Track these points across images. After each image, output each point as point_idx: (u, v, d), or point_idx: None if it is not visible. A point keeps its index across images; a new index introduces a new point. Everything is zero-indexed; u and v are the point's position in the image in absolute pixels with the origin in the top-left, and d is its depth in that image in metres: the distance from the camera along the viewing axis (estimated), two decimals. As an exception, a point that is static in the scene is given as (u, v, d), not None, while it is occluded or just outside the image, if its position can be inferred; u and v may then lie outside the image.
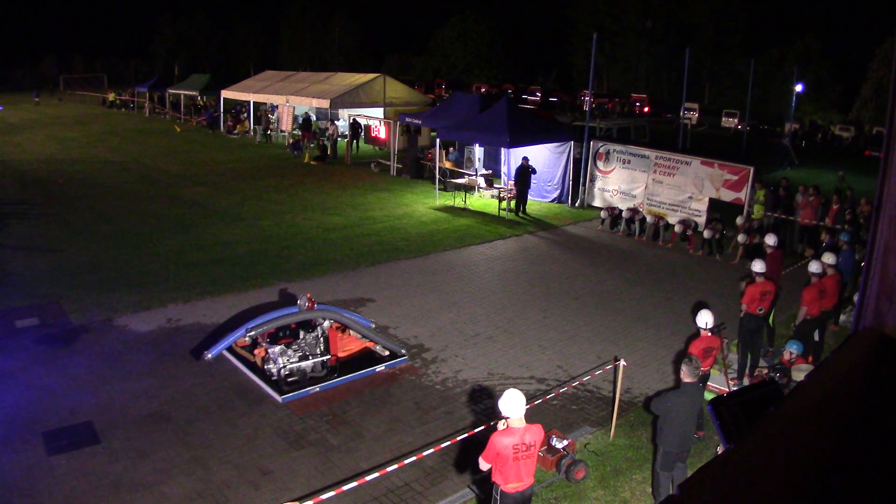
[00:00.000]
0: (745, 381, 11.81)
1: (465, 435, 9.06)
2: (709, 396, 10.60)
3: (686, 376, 8.28)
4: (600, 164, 24.72)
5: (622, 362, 9.81)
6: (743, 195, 20.89)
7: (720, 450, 7.59)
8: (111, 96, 71.12)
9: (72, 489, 5.29)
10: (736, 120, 56.73)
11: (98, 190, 27.55)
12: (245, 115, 46.37)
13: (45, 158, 35.97)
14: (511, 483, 7.06)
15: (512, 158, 24.73)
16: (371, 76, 37.85)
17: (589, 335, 13.82)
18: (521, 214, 23.79)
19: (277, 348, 11.89)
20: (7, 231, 21.25)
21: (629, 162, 23.79)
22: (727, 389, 11.11)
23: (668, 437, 8.28)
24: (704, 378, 10.24)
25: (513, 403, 6.98)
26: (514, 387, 7.39)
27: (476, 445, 9.39)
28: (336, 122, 37.82)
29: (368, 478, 8.22)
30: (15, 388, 11.41)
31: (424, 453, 8.74)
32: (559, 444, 9.07)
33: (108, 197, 26.26)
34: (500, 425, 7.04)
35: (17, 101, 73.96)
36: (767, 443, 2.90)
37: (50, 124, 53.14)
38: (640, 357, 12.52)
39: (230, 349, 12.38)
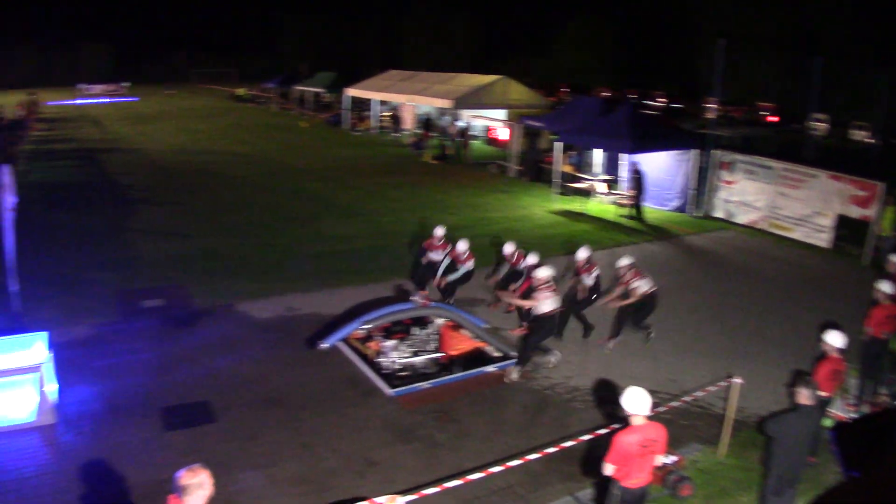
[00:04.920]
0: (865, 409, 11.37)
1: (572, 442, 9.01)
2: (827, 422, 10.26)
3: (804, 399, 7.99)
4: (724, 174, 24.14)
5: (737, 380, 9.57)
6: (871, 212, 20.03)
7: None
8: (241, 91, 73.31)
9: (184, 464, 5.53)
10: (866, 133, 54.29)
11: (224, 181, 28.58)
12: (368, 112, 47.15)
13: (175, 148, 37.53)
14: (633, 479, 7.14)
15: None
16: (493, 78, 37.91)
17: (703, 349, 13.54)
18: (635, 220, 23.46)
19: (391, 342, 12.14)
20: (137, 216, 22.32)
21: (754, 173, 23.14)
22: (845, 416, 10.73)
23: (780, 460, 8.03)
24: (826, 403, 9.88)
25: (638, 401, 7.05)
26: (626, 397, 7.33)
27: (583, 452, 9.38)
28: (457, 122, 38.11)
29: (472, 477, 8.28)
30: (139, 365, 12.03)
31: (530, 457, 8.71)
32: (667, 460, 8.93)
33: (233, 188, 27.21)
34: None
35: (150, 93, 77.22)
36: None
37: (181, 116, 55.29)
38: (754, 375, 12.14)
39: (345, 340, 12.66)
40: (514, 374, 12.02)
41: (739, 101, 66.38)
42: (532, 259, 13.93)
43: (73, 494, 8.64)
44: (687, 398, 10.62)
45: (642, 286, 13.13)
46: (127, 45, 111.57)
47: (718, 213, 24.30)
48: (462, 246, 14.60)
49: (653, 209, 24.94)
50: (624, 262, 13.45)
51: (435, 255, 15.03)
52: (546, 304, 11.96)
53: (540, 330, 12.08)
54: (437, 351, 12.47)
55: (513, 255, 14.50)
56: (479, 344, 12.80)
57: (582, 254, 13.87)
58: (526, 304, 12.61)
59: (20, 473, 9.01)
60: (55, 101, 65.98)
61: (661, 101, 69.82)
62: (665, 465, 8.83)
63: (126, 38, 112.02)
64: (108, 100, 72.03)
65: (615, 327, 13.54)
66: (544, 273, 12.23)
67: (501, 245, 14.95)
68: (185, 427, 10.21)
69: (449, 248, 14.95)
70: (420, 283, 15.33)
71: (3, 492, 8.65)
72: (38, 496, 8.57)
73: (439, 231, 15.13)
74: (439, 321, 12.85)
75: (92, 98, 72.21)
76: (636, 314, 13.35)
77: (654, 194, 25.15)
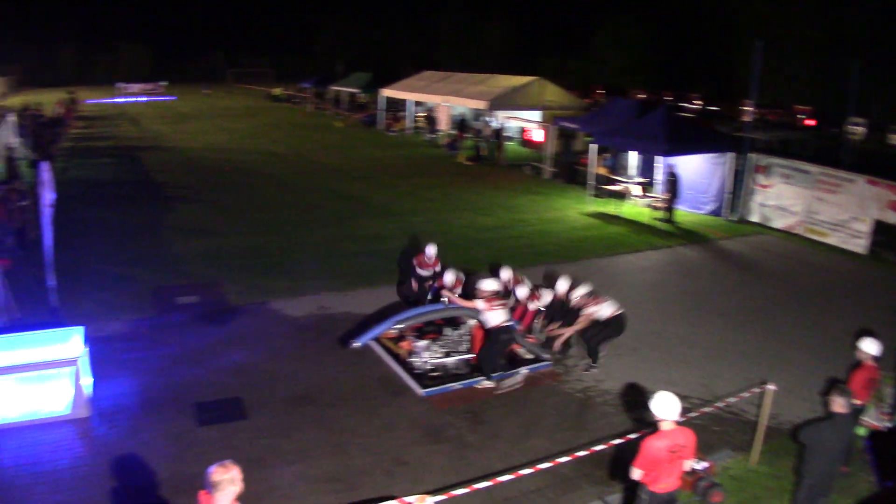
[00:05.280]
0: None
1: (602, 446, 8.99)
2: (861, 431, 10.16)
3: (839, 407, 7.91)
4: (760, 177, 23.90)
5: (770, 386, 9.48)
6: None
7: None
8: (277, 91, 74.00)
9: (216, 460, 5.62)
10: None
11: (260, 179, 28.87)
12: (403, 113, 47.32)
13: (212, 147, 37.98)
14: (661, 484, 7.15)
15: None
16: (528, 79, 37.89)
17: (736, 355, 13.41)
18: (668, 223, 23.31)
19: (423, 343, 12.19)
20: (174, 214, 22.65)
21: (790, 177, 22.88)
22: (879, 424, 10.60)
23: (814, 469, 7.96)
24: (860, 411, 9.76)
25: (667, 406, 7.04)
26: (658, 401, 7.30)
27: (612, 456, 9.35)
28: (490, 123, 38.11)
29: (502, 479, 8.29)
30: (172, 361, 12.22)
31: (560, 460, 8.71)
32: (698, 466, 8.88)
33: (268, 186, 27.47)
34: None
35: (188, 92, 78.16)
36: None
37: (218, 115, 55.97)
38: (788, 382, 11.99)
39: (377, 340, 12.73)
40: (487, 383, 11.75)
41: (776, 104, 65.64)
42: (523, 290, 13.40)
43: (106, 487, 8.79)
44: (720, 404, 10.55)
45: (603, 311, 12.56)
46: (165, 45, 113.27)
47: (754, 218, 24.08)
48: (449, 277, 13.95)
49: (688, 212, 24.78)
50: (580, 291, 12.87)
51: (425, 273, 14.74)
52: (494, 316, 11.67)
53: (494, 343, 11.72)
54: (469, 352, 12.49)
55: (508, 281, 13.86)
56: (511, 346, 12.78)
57: (562, 285, 13.43)
58: (466, 303, 12.16)
59: (55, 465, 9.19)
60: (94, 100, 67.01)
61: (696, 104, 69.25)
62: (696, 472, 8.77)
63: (164, 38, 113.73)
64: (146, 98, 73.16)
65: (590, 354, 12.81)
66: (488, 286, 11.98)
67: (499, 269, 14.45)
68: (218, 423, 10.35)
69: (439, 268, 14.59)
70: (408, 301, 14.90)
71: (38, 483, 8.81)
72: (71, 488, 8.73)
73: (430, 250, 14.75)
74: (472, 322, 12.84)
75: (130, 97, 73.39)
76: (601, 335, 12.67)
77: (690, 197, 24.99)
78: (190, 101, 71.38)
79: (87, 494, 8.63)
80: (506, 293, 13.53)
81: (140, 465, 9.25)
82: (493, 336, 11.71)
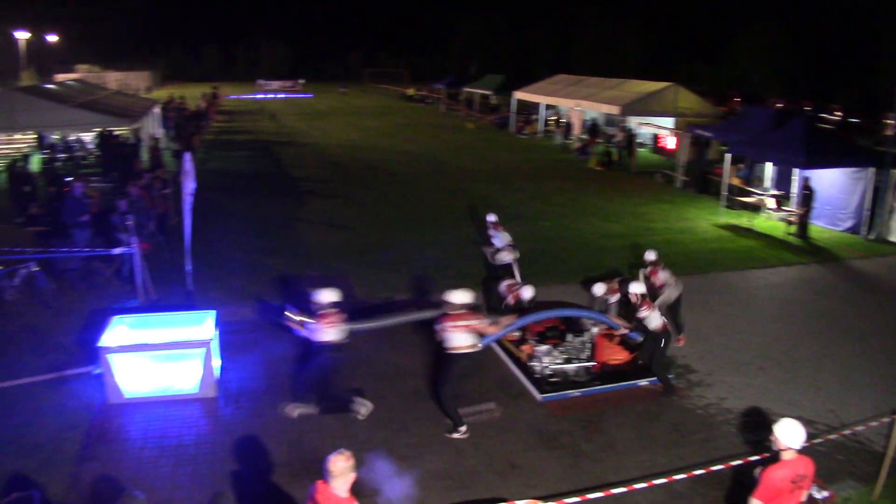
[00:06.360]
0: None
1: (720, 466, 8.86)
2: None
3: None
4: (902, 195, 22.84)
5: (903, 416, 9.13)
6: None
7: None
8: (410, 91, 75.25)
9: (336, 448, 5.89)
10: None
11: (390, 177, 29.57)
12: (535, 116, 47.33)
13: (346, 144, 39.02)
14: None
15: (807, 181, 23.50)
16: (662, 85, 37.31)
17: (867, 381, 12.83)
18: (802, 238, 22.54)
19: (544, 347, 12.29)
20: (307, 207, 23.49)
21: (934, 196, 21.79)
22: None
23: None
24: None
25: (792, 434, 6.83)
26: (783, 425, 7.13)
27: (729, 478, 9.20)
28: (624, 128, 37.70)
29: (615, 491, 8.31)
30: (296, 348, 12.63)
31: (676, 477, 8.64)
32: (818, 495, 8.64)
33: (398, 184, 28.11)
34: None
35: (324, 90, 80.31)
36: None
37: (353, 113, 57.32)
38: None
39: (499, 342, 12.89)
40: (295, 411, 10.64)
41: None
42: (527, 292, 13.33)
43: (227, 465, 9.30)
44: (846, 431, 10.21)
45: (453, 339, 10.27)
46: (305, 45, 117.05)
47: (893, 237, 22.95)
48: (491, 218, 16.22)
49: (824, 228, 23.88)
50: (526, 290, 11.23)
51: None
52: (327, 333, 10.26)
53: (323, 363, 10.44)
54: (589, 360, 12.49)
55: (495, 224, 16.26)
56: (633, 356, 12.70)
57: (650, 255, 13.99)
58: (304, 330, 10.46)
59: (180, 440, 9.83)
60: (235, 95, 69.75)
61: (837, 115, 66.57)
62: (816, 500, 8.54)
63: (304, 38, 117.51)
64: (284, 95, 75.73)
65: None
66: (325, 297, 10.41)
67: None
68: (338, 412, 10.70)
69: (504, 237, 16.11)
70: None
71: (163, 455, 9.45)
72: (194, 463, 9.30)
73: (490, 217, 16.73)
74: (595, 329, 12.84)
75: (269, 93, 76.02)
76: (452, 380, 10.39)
77: (827, 213, 24.10)
78: (326, 99, 73.37)
79: (208, 470, 9.16)
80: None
81: (260, 447, 9.74)
82: (323, 355, 10.44)
